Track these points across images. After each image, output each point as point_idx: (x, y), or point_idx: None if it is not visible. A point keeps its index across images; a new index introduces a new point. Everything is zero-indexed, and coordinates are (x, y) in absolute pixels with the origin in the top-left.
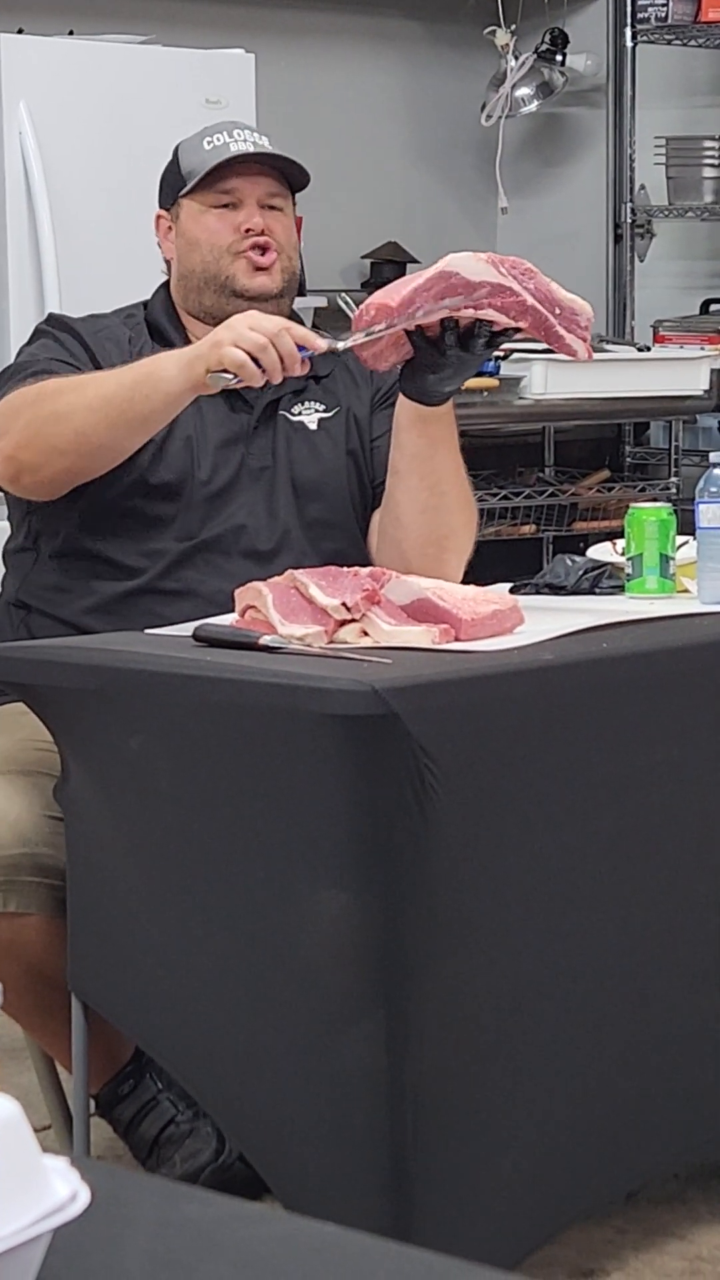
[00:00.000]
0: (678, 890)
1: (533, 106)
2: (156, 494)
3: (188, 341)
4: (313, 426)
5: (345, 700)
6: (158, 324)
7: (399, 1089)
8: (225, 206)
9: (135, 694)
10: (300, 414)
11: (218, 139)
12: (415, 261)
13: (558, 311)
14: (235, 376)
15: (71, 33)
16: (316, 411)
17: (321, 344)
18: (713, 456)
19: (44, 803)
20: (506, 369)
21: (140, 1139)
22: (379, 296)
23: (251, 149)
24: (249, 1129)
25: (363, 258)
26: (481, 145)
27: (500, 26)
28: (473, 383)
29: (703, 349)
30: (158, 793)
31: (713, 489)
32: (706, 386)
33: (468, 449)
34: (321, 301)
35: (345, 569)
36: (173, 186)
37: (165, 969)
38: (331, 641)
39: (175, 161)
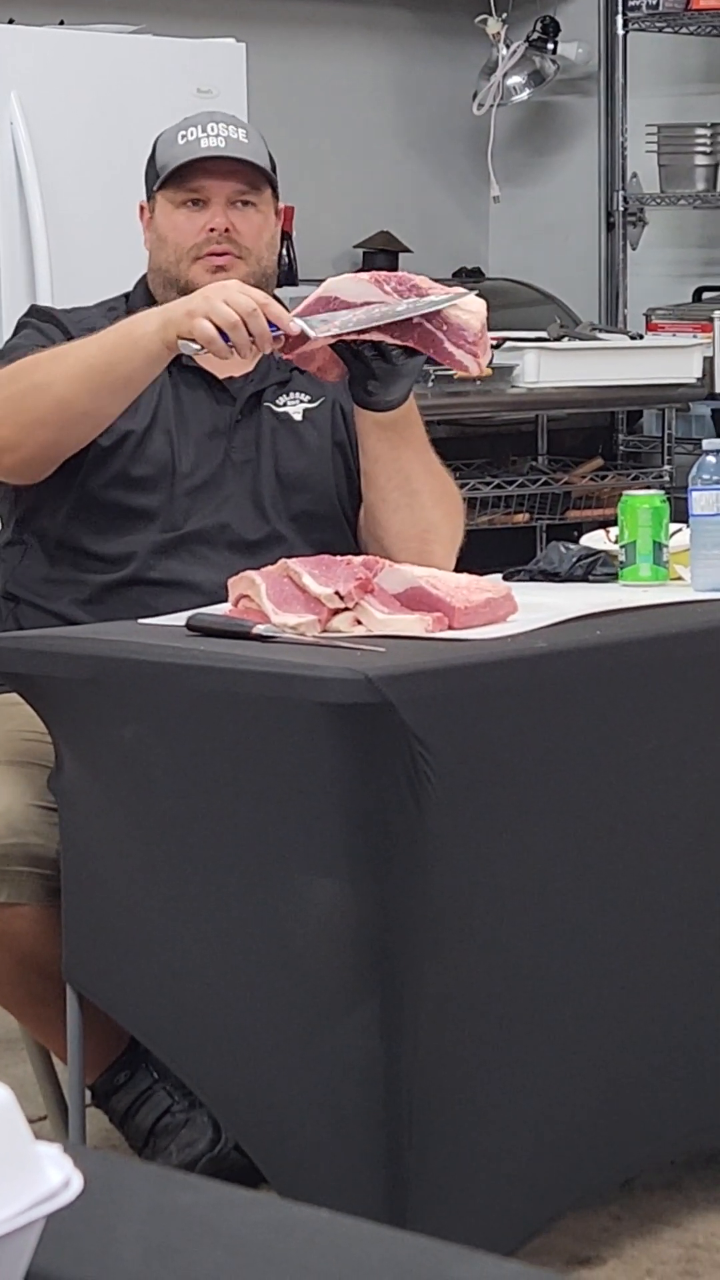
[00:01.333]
0: (673, 877)
1: (524, 95)
2: (139, 486)
3: None
4: (298, 417)
5: (339, 689)
6: None
7: (394, 1077)
8: (193, 204)
9: (129, 684)
10: (285, 405)
11: (191, 133)
12: (407, 250)
13: (445, 328)
14: (202, 348)
15: (62, 23)
16: (301, 402)
17: (294, 327)
18: (705, 444)
19: (34, 793)
20: (499, 358)
21: (136, 1129)
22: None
23: (221, 144)
24: (245, 1118)
25: (355, 247)
26: (473, 134)
27: (491, 15)
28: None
29: (695, 337)
30: (151, 782)
31: (705, 476)
32: (699, 374)
33: (460, 438)
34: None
35: (338, 558)
36: (149, 178)
37: (160, 959)
38: (325, 630)
39: (154, 152)
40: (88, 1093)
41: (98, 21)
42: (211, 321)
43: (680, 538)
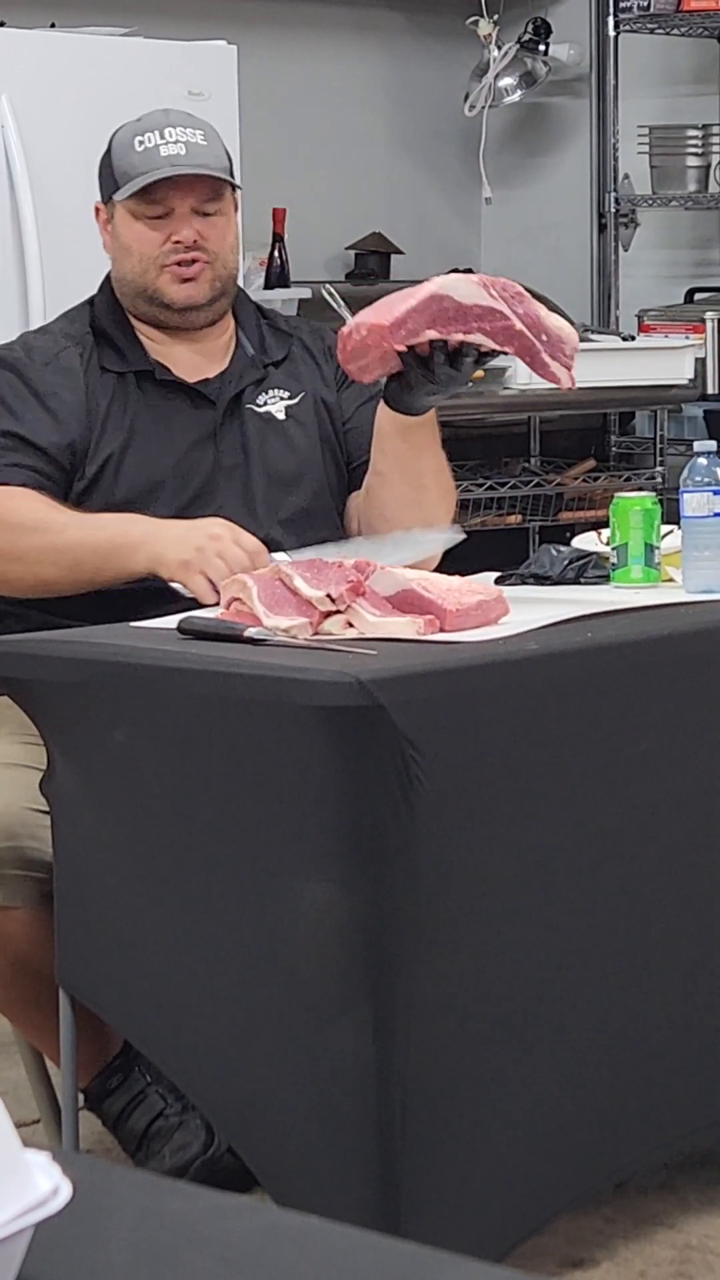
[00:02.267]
0: (665, 879)
1: (516, 96)
2: (129, 510)
3: (141, 349)
4: (281, 416)
5: (330, 692)
6: (108, 334)
7: (386, 1080)
8: (157, 216)
9: (120, 686)
10: (265, 404)
11: (149, 139)
12: (399, 252)
13: (544, 338)
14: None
15: (53, 25)
16: (281, 399)
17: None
18: (697, 445)
19: (28, 796)
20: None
21: (129, 1132)
22: (369, 316)
23: (181, 151)
24: (237, 1121)
25: (347, 249)
26: (465, 135)
27: (483, 16)
28: None
29: (687, 338)
30: (143, 785)
31: (697, 478)
32: (691, 375)
33: (453, 439)
34: (306, 293)
35: (330, 561)
36: (106, 183)
37: (153, 962)
38: (316, 633)
39: (109, 154)
40: (81, 1096)
41: (89, 24)
42: (206, 574)
43: (672, 539)
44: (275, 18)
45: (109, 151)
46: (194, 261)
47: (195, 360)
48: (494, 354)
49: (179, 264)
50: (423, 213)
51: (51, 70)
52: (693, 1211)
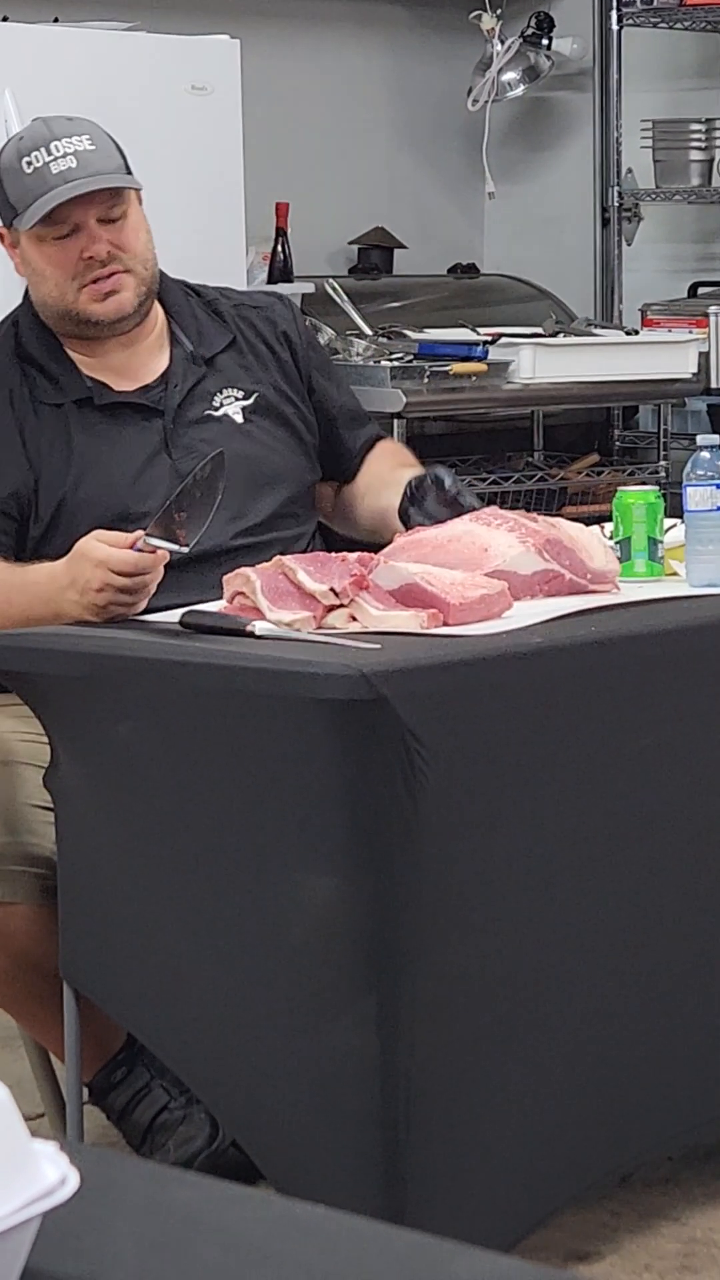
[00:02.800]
0: (669, 873)
1: (519, 91)
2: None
3: (75, 371)
4: (239, 419)
5: (334, 685)
6: (37, 362)
7: (391, 1074)
8: (63, 236)
9: (123, 681)
10: (221, 406)
11: (36, 157)
12: (403, 247)
13: (588, 577)
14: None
15: (56, 20)
16: (236, 399)
17: (161, 555)
18: (700, 439)
19: (27, 791)
20: (495, 354)
21: (133, 1126)
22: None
23: (72, 165)
24: (242, 1115)
25: (350, 243)
26: (468, 130)
27: (486, 10)
28: (461, 367)
29: (690, 332)
30: (147, 779)
31: (700, 472)
32: (694, 369)
33: (457, 434)
34: (309, 288)
35: (333, 554)
36: (3, 209)
37: (156, 956)
38: (320, 627)
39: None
40: (85, 1090)
41: (92, 19)
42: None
43: (675, 533)
44: (278, 12)
45: None
46: (111, 275)
47: (132, 365)
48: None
49: (95, 281)
50: (426, 207)
51: (55, 65)
52: (697, 1205)
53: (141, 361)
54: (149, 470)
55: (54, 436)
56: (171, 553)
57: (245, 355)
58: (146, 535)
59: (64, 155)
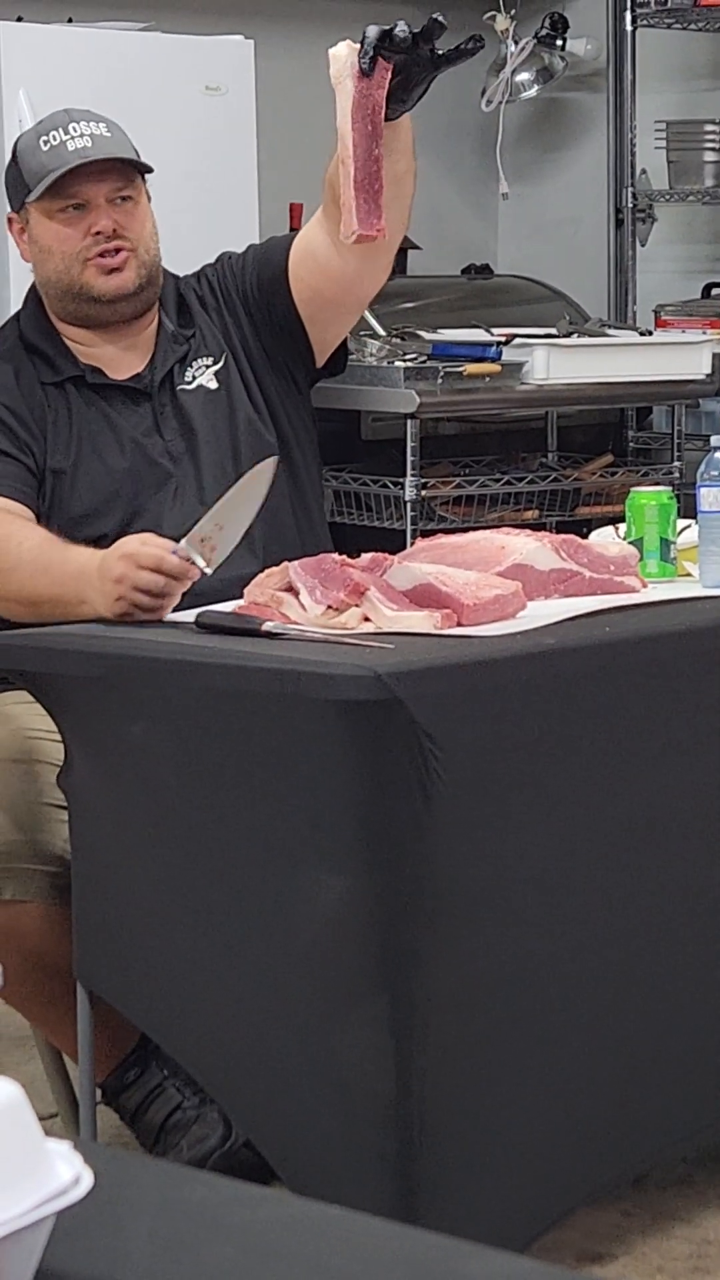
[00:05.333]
0: (683, 873)
1: (533, 91)
2: (86, 521)
3: (69, 355)
4: (213, 385)
5: (348, 685)
6: (36, 346)
7: (404, 1073)
8: (72, 209)
9: (138, 680)
10: (195, 378)
11: (54, 136)
12: (416, 248)
13: (612, 568)
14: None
15: (70, 20)
16: (207, 367)
17: (194, 571)
18: (714, 440)
19: (38, 790)
20: (509, 354)
21: (147, 1126)
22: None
23: (88, 144)
24: (255, 1114)
25: None
26: (482, 130)
27: (500, 11)
28: (475, 368)
29: (704, 333)
30: (161, 779)
31: (713, 473)
32: (708, 370)
33: (470, 434)
34: None
35: (338, 559)
36: (16, 190)
37: (170, 955)
38: (333, 627)
39: (15, 162)
40: (98, 1090)
41: (106, 19)
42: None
43: (689, 534)
44: (292, 12)
45: (14, 160)
46: (118, 251)
47: (124, 356)
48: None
49: (102, 255)
50: (439, 208)
51: (69, 65)
52: (711, 1207)
53: (133, 355)
54: (141, 453)
55: (57, 413)
56: (198, 569)
57: (209, 318)
58: (185, 541)
59: (81, 135)
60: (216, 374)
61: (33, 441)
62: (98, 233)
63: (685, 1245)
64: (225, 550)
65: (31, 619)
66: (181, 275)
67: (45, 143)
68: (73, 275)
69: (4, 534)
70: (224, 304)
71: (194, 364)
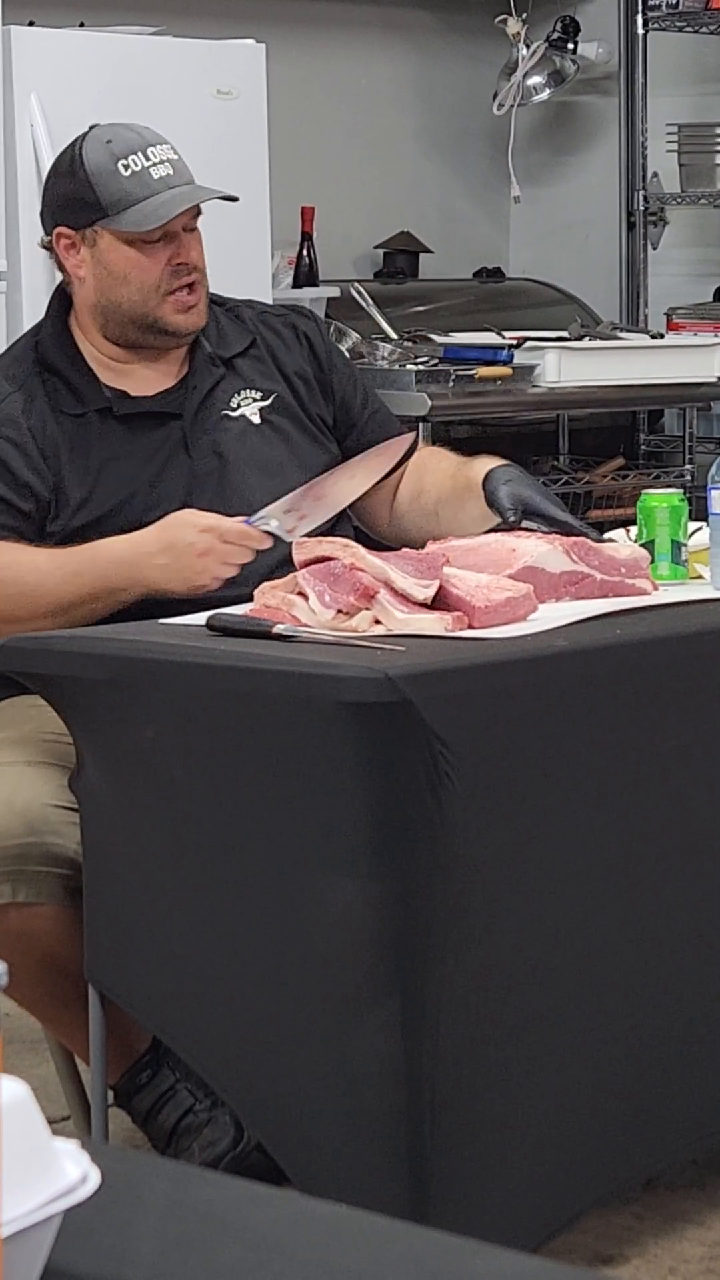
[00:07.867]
0: (695, 875)
1: (544, 95)
2: (97, 525)
3: (95, 382)
4: (256, 420)
5: (359, 688)
6: (57, 369)
7: (416, 1076)
8: (154, 240)
9: (149, 683)
10: (240, 407)
11: (134, 161)
12: (428, 251)
13: (623, 570)
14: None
15: (82, 25)
16: (254, 400)
17: (266, 540)
18: None
19: (51, 792)
20: (520, 357)
21: (158, 1128)
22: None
23: (169, 173)
24: (267, 1117)
25: (375, 247)
26: (493, 134)
27: (511, 15)
28: (486, 371)
29: (716, 336)
30: (172, 782)
31: None
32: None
33: (483, 437)
34: (334, 291)
35: (344, 570)
36: (80, 209)
37: (182, 958)
38: (344, 629)
39: (85, 180)
40: (110, 1093)
41: (118, 23)
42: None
43: (700, 537)
44: (304, 17)
45: (83, 176)
46: (193, 286)
47: (153, 373)
48: None
49: (182, 289)
50: (451, 211)
51: (80, 69)
52: None
53: (163, 372)
54: (167, 471)
55: (74, 445)
56: (277, 539)
57: (264, 358)
58: (266, 511)
59: (161, 161)
60: (263, 410)
61: (36, 478)
62: (182, 264)
63: (698, 1247)
64: (317, 519)
65: (51, 630)
66: (224, 297)
67: (125, 166)
68: (149, 307)
69: (9, 560)
70: (297, 350)
71: (241, 393)
